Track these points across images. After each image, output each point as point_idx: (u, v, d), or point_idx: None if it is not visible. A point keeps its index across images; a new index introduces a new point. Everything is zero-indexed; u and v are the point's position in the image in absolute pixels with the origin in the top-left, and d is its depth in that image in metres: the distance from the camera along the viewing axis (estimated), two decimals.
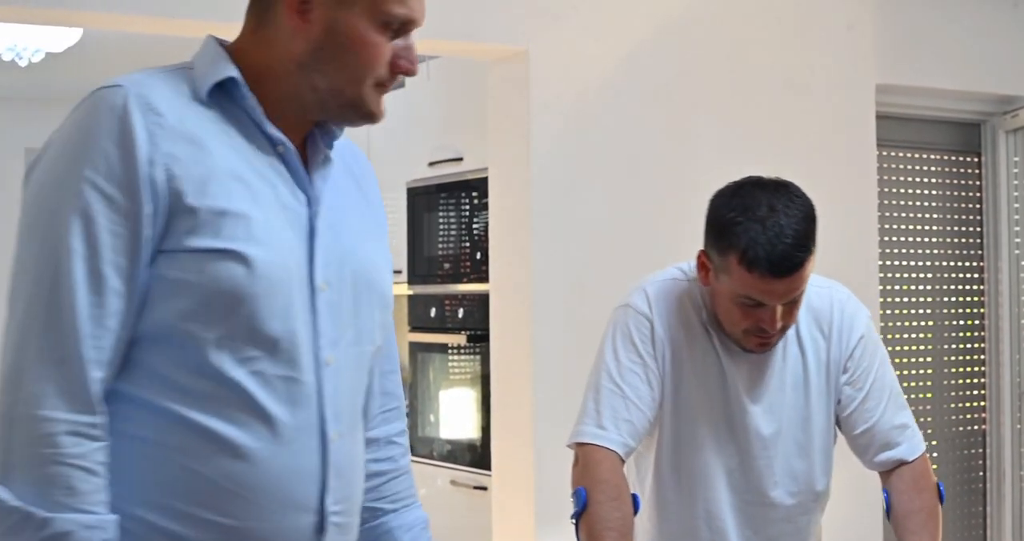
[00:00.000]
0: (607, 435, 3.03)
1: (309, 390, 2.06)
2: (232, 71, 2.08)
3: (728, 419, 3.11)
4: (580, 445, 3.07)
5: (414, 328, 6.73)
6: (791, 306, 2.97)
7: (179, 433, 1.97)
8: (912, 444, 3.18)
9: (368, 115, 2.27)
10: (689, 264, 3.18)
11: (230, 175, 2.02)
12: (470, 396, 6.23)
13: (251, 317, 2.00)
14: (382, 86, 2.22)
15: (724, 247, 2.92)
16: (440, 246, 6.46)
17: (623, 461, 3.04)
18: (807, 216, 2.95)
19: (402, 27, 2.19)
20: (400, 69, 2.20)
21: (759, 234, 2.87)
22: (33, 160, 2.04)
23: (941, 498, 3.16)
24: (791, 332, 3.11)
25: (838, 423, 3.21)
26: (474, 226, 6.18)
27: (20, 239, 1.98)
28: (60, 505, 1.87)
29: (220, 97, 2.08)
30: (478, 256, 6.07)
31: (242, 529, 1.99)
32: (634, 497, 3.04)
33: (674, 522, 3.21)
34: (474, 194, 6.15)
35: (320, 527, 2.08)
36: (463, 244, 6.28)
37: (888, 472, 3.17)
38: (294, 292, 2.05)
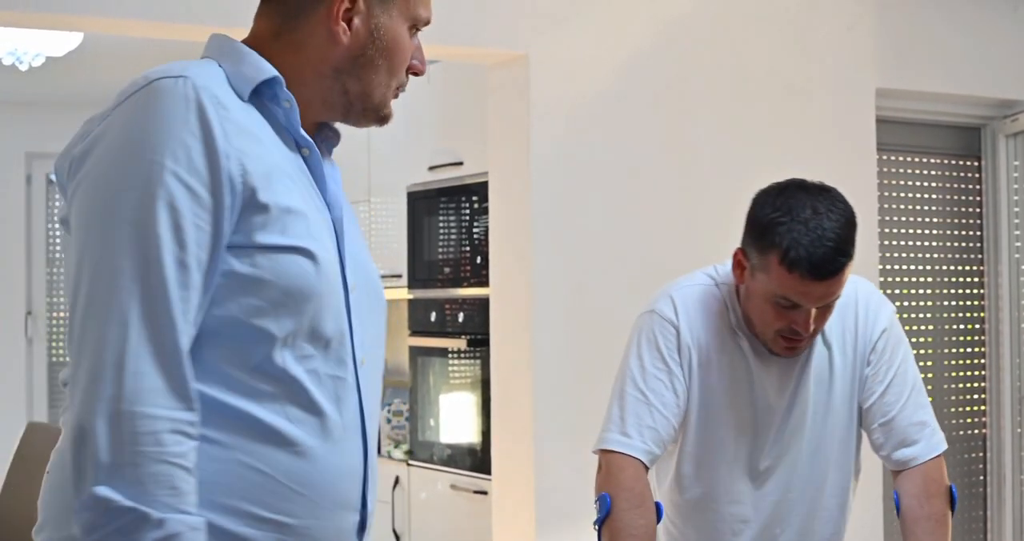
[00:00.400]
0: (631, 442, 3.04)
1: (352, 389, 2.10)
2: (274, 71, 2.09)
3: (754, 423, 3.12)
4: (605, 452, 3.08)
5: (414, 332, 6.74)
6: (825, 310, 2.97)
7: (241, 430, 1.96)
8: (930, 443, 3.16)
9: (386, 117, 2.27)
10: (716, 268, 3.19)
11: (285, 173, 2.05)
12: (470, 400, 6.23)
13: (315, 315, 2.02)
14: (400, 88, 2.24)
15: (765, 246, 2.91)
16: (440, 250, 6.46)
17: (647, 468, 3.06)
18: (849, 221, 2.93)
19: (416, 29, 2.26)
20: (415, 70, 2.25)
21: (802, 235, 2.87)
22: (85, 147, 1.98)
23: (953, 503, 3.15)
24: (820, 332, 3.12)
25: (860, 418, 3.21)
26: (474, 230, 6.18)
27: (94, 223, 1.92)
28: (167, 506, 1.84)
29: (252, 96, 2.09)
30: (478, 260, 6.07)
31: (299, 528, 2.00)
32: (657, 505, 3.05)
33: (696, 525, 3.23)
34: (474, 198, 6.16)
35: (362, 525, 2.13)
36: (463, 248, 6.29)
37: (901, 472, 3.15)
38: (340, 292, 2.09)
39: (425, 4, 2.27)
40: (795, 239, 2.87)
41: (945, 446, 3.18)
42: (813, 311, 2.93)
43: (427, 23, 2.28)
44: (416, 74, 2.26)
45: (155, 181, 1.90)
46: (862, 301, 3.18)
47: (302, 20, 2.13)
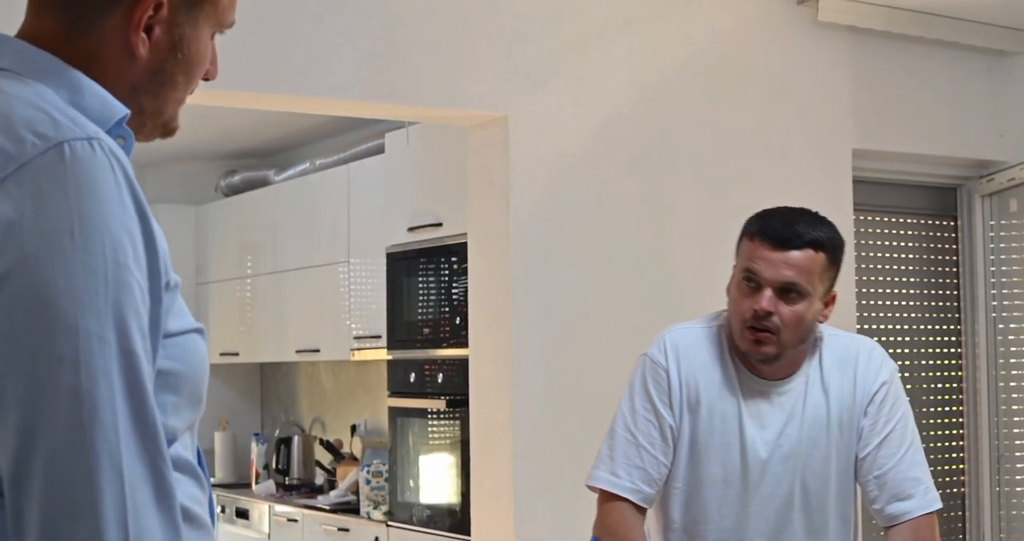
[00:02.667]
0: (620, 482, 3.14)
1: None
2: (124, 108, 1.72)
3: (743, 462, 3.15)
4: (598, 491, 3.19)
5: (393, 393, 6.73)
6: (784, 301, 3.04)
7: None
8: (924, 500, 3.16)
9: (173, 131, 1.89)
10: (716, 312, 3.29)
11: None
12: (450, 461, 6.22)
13: (201, 401, 1.78)
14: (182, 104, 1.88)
15: (743, 233, 3.15)
16: (420, 311, 6.47)
17: (639, 507, 3.15)
18: (830, 232, 3.13)
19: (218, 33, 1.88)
20: (208, 76, 1.88)
21: (772, 214, 3.15)
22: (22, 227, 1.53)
23: None
24: (816, 376, 3.18)
25: (855, 470, 3.24)
26: (453, 291, 6.19)
27: (49, 339, 1.51)
28: None
29: None
30: (458, 321, 6.08)
31: None
32: None
33: None
34: (453, 259, 6.17)
35: None
36: (443, 309, 6.29)
37: (892, 528, 3.16)
38: None
39: (233, 6, 1.86)
40: (763, 216, 3.15)
41: (939, 505, 3.19)
42: (770, 292, 3.03)
43: (231, 26, 1.87)
44: (208, 79, 1.89)
45: (122, 286, 1.56)
46: (864, 354, 3.24)
47: (96, 23, 1.73)
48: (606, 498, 3.16)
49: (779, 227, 3.06)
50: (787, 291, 3.04)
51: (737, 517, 3.17)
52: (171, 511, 1.57)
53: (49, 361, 1.50)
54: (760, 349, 3.09)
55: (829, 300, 3.15)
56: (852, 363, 3.21)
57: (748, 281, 3.07)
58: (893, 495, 3.15)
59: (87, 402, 1.50)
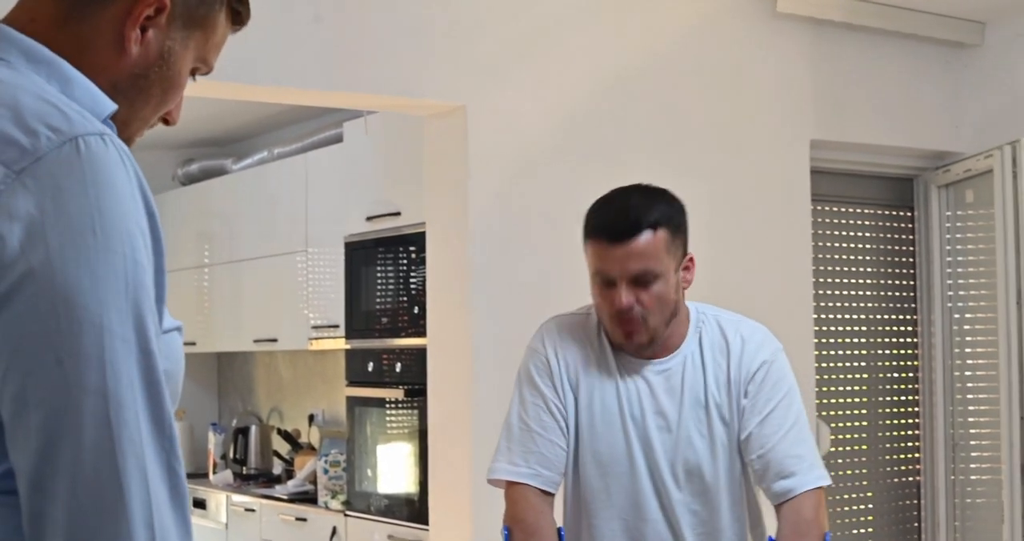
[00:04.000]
0: (518, 470, 3.17)
1: None
2: (112, 104, 1.69)
3: (626, 442, 3.17)
4: (502, 482, 3.21)
5: (351, 382, 6.72)
6: (643, 288, 3.05)
7: None
8: (807, 477, 3.12)
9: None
10: (590, 303, 3.29)
11: None
12: (408, 450, 6.22)
13: (179, 394, 1.79)
14: (148, 128, 1.86)
15: (583, 233, 3.13)
16: (378, 301, 6.46)
17: (544, 491, 3.17)
18: (663, 206, 3.10)
19: (196, 73, 1.88)
20: (168, 117, 1.87)
21: (603, 208, 3.12)
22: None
23: None
24: (695, 356, 3.18)
25: (740, 449, 3.22)
26: (412, 280, 6.19)
27: (76, 338, 1.49)
28: None
29: None
30: (416, 310, 6.08)
31: None
32: (559, 531, 3.15)
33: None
34: (412, 249, 6.16)
35: None
36: (401, 298, 6.29)
37: (779, 509, 3.14)
38: None
39: (217, 51, 1.88)
40: (596, 211, 3.12)
41: (825, 482, 3.15)
42: (624, 286, 3.04)
43: (207, 72, 1.89)
44: (167, 123, 1.88)
45: (140, 285, 1.54)
46: (744, 334, 3.24)
47: (95, 10, 1.70)
48: (510, 488, 3.18)
49: (612, 222, 3.05)
50: (640, 280, 3.05)
51: (625, 497, 3.18)
52: (184, 510, 1.56)
53: (76, 361, 1.48)
54: (633, 340, 3.12)
55: (687, 265, 3.17)
56: (732, 343, 3.21)
57: (602, 280, 3.08)
58: (776, 473, 3.12)
59: (113, 402, 1.49)
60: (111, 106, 1.67)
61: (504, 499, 3.22)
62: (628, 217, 3.04)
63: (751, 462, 3.17)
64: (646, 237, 3.03)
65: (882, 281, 6.58)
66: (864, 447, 6.51)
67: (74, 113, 1.56)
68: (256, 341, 8.09)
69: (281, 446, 8.37)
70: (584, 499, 3.23)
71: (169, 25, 1.75)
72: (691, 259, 3.18)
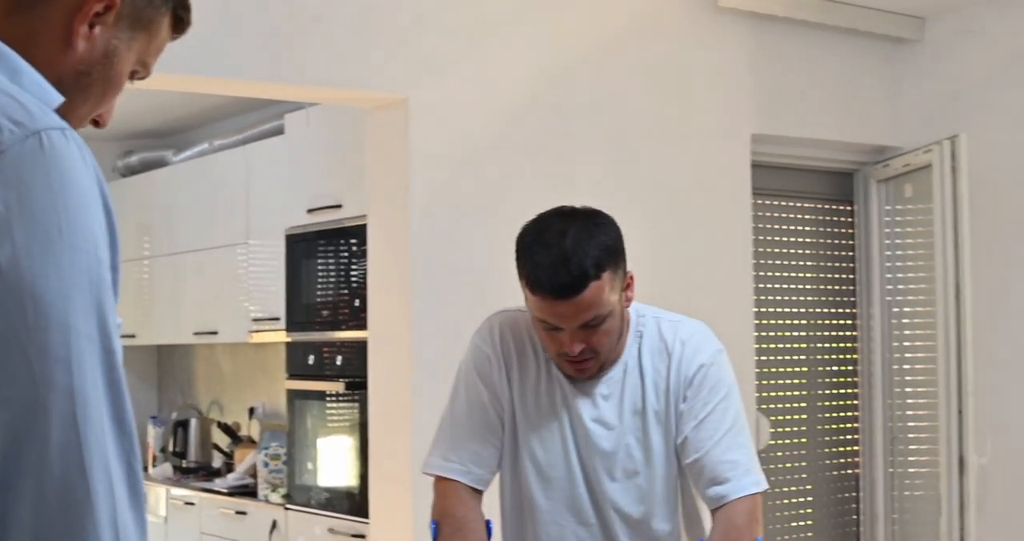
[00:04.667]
0: (451, 466, 3.15)
1: None
2: (60, 96, 1.65)
3: (563, 447, 3.14)
4: (433, 476, 3.19)
5: (292, 375, 6.70)
6: (591, 331, 2.99)
7: None
8: (740, 483, 3.06)
9: None
10: None
11: None
12: (348, 444, 6.21)
13: None
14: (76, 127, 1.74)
15: (519, 271, 3.01)
16: (319, 293, 6.45)
17: (474, 488, 3.16)
18: (601, 242, 2.98)
19: (134, 76, 1.84)
20: (100, 119, 1.84)
21: (543, 258, 2.95)
22: None
23: None
24: (635, 361, 3.14)
25: (677, 454, 3.18)
26: (353, 273, 6.17)
27: (41, 336, 1.47)
28: None
29: None
30: (357, 303, 6.06)
31: None
32: (488, 523, 3.14)
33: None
34: (353, 241, 6.15)
35: None
36: (342, 291, 6.27)
37: (714, 515, 3.09)
38: None
39: (157, 56, 1.85)
40: (537, 262, 2.96)
41: (760, 488, 3.08)
42: (573, 332, 2.97)
43: (144, 77, 1.85)
44: (97, 124, 1.85)
45: (102, 283, 1.56)
46: (682, 339, 3.17)
47: (45, 2, 1.68)
48: (441, 482, 3.17)
49: (554, 278, 2.92)
50: (589, 325, 2.98)
51: (562, 501, 3.16)
52: (142, 510, 1.55)
53: (44, 359, 1.46)
54: (583, 373, 3.09)
55: (628, 285, 3.09)
56: (672, 347, 3.16)
57: (546, 326, 3.01)
58: (710, 479, 3.07)
59: (79, 401, 1.47)
60: (59, 99, 1.64)
61: (433, 492, 3.21)
62: (571, 272, 2.92)
63: (687, 467, 3.12)
64: (592, 288, 2.93)
65: (822, 275, 6.61)
66: (803, 440, 6.54)
67: (33, 106, 1.54)
68: (196, 334, 8.05)
69: (221, 439, 8.34)
70: (521, 501, 3.21)
71: (116, 24, 1.73)
72: (631, 278, 3.10)
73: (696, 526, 3.25)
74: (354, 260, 6.17)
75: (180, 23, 1.87)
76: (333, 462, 6.37)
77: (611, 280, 2.97)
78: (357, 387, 6.06)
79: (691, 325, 3.22)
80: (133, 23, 1.76)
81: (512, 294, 3.16)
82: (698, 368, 3.13)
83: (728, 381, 3.17)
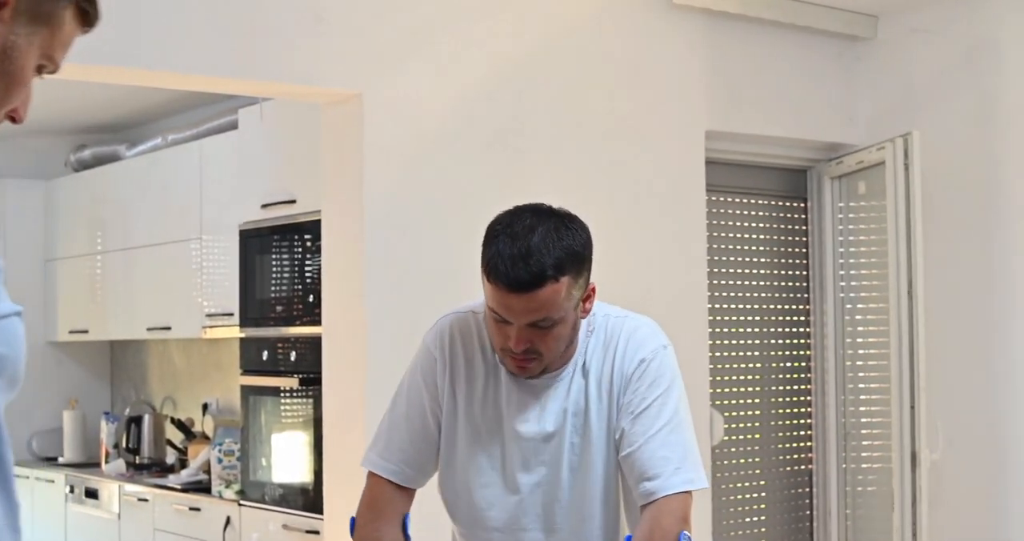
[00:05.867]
0: (384, 464, 3.16)
1: None
2: None
3: (504, 449, 3.11)
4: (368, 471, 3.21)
5: (246, 371, 6.68)
6: (540, 332, 2.95)
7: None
8: (670, 480, 2.97)
9: None
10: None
11: None
12: (302, 440, 6.19)
13: (20, 379, 1.82)
14: None
15: (482, 258, 2.95)
16: (273, 289, 6.43)
17: (404, 488, 3.16)
18: (567, 246, 2.93)
19: (42, 70, 1.86)
20: (15, 115, 1.84)
21: (507, 248, 2.89)
22: None
23: None
24: (580, 361, 3.11)
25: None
26: (307, 269, 6.16)
27: None
28: None
29: None
30: (311, 299, 6.05)
31: None
32: (404, 518, 3.15)
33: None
34: (307, 237, 6.14)
35: None
36: (296, 287, 6.26)
37: (642, 510, 3.01)
38: None
39: (65, 50, 1.86)
40: (499, 251, 2.90)
41: (692, 487, 3.00)
42: (520, 328, 2.92)
43: (53, 71, 1.86)
44: (14, 120, 1.85)
45: None
46: (626, 335, 3.12)
47: None
48: (372, 477, 3.18)
49: (512, 270, 2.87)
50: (538, 325, 2.94)
51: (507, 503, 3.13)
52: (8, 488, 1.61)
53: None
54: (524, 372, 3.04)
55: (587, 295, 3.04)
56: (614, 342, 3.11)
57: (497, 317, 2.97)
58: (640, 474, 3.00)
59: None
60: None
61: (365, 484, 3.22)
62: (531, 268, 2.87)
63: (621, 461, 3.07)
64: (548, 288, 2.88)
65: (775, 271, 6.64)
66: (757, 436, 6.56)
67: None
68: (149, 329, 8.02)
69: (175, 435, 8.31)
70: (462, 505, 3.20)
71: (14, 20, 1.73)
72: (592, 290, 3.05)
73: (633, 524, 3.20)
74: (308, 256, 6.16)
75: (86, 16, 1.85)
76: (287, 458, 6.36)
77: (570, 286, 2.93)
78: (311, 383, 6.05)
79: (637, 321, 3.17)
80: (32, 18, 1.76)
81: (467, 291, 3.15)
82: (639, 363, 3.08)
83: (669, 377, 3.10)
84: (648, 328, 3.16)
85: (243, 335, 6.72)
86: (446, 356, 3.16)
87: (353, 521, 3.16)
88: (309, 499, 6.02)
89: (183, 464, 7.93)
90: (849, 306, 6.54)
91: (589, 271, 3.02)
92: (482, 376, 3.14)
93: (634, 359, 3.09)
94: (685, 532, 2.93)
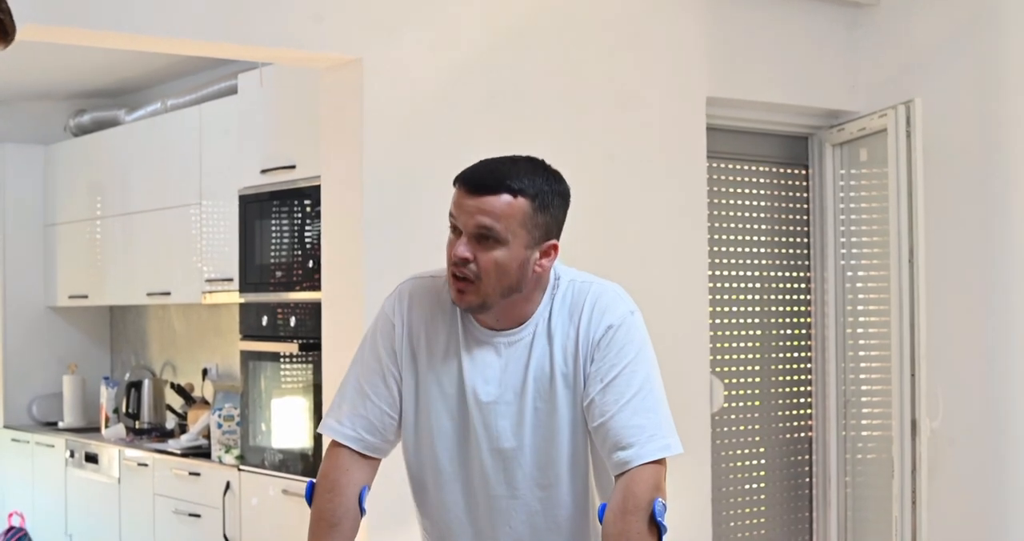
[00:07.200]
0: (343, 430, 3.15)
1: None
2: None
3: (464, 415, 3.09)
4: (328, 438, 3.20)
5: (245, 336, 6.68)
6: (483, 250, 2.96)
7: None
8: (644, 449, 2.95)
9: None
10: None
11: None
12: (302, 405, 6.19)
13: None
14: None
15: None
16: (272, 254, 6.42)
17: (362, 454, 3.15)
18: (539, 183, 3.00)
19: None
20: None
21: (483, 162, 3.05)
22: None
23: (658, 525, 2.90)
24: (543, 325, 3.08)
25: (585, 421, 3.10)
26: (307, 234, 6.15)
27: None
28: None
29: None
30: (310, 264, 6.04)
31: None
32: (362, 491, 3.13)
33: (423, 514, 3.26)
34: (307, 202, 6.12)
35: None
36: (295, 252, 6.25)
37: (616, 479, 2.98)
38: None
39: None
40: (475, 165, 3.05)
41: (667, 453, 2.97)
42: (465, 236, 2.96)
43: None
44: None
45: None
46: (592, 300, 3.10)
47: None
48: (331, 444, 3.17)
49: (479, 174, 2.99)
50: (483, 237, 2.95)
51: (467, 470, 3.12)
52: None
53: None
54: (462, 298, 3.02)
55: (546, 250, 3.03)
56: (579, 308, 3.09)
57: (452, 229, 3.02)
58: (614, 444, 2.96)
59: None
60: None
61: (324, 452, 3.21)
62: (492, 174, 2.98)
63: (593, 431, 3.03)
64: (503, 199, 2.94)
65: (776, 238, 6.63)
66: (757, 403, 6.56)
67: None
68: (149, 294, 8.02)
69: (174, 400, 8.32)
70: (424, 474, 3.17)
71: None
72: (554, 247, 3.04)
73: (606, 492, 3.13)
74: (308, 221, 6.15)
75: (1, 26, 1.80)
76: (287, 423, 6.36)
77: (526, 214, 2.96)
78: (311, 348, 6.04)
79: (602, 286, 3.14)
80: None
81: None
82: (606, 329, 3.05)
83: (638, 343, 3.07)
84: (614, 293, 3.13)
85: (243, 300, 6.71)
86: (404, 320, 3.16)
87: (311, 487, 3.13)
88: (309, 464, 6.03)
89: (183, 429, 7.93)
90: (850, 273, 6.54)
91: (554, 227, 3.04)
92: (443, 340, 3.13)
93: (600, 325, 3.06)
94: (659, 499, 2.91)
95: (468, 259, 2.97)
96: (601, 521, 2.95)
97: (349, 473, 3.13)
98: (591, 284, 3.13)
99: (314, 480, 3.15)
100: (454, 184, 3.02)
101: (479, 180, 2.98)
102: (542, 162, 3.08)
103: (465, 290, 3.00)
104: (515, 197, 2.95)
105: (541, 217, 2.99)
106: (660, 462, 2.96)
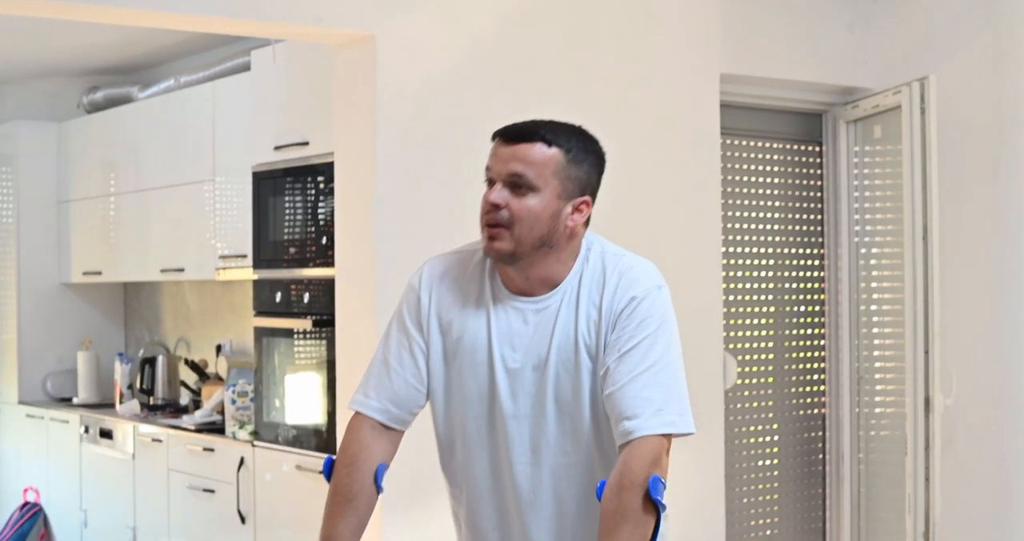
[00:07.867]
0: (367, 402, 3.19)
1: None
2: None
3: (492, 382, 3.12)
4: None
5: (259, 313, 6.69)
6: (516, 197, 3.02)
7: None
8: (648, 421, 2.93)
9: None
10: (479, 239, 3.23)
11: None
12: (316, 381, 6.20)
13: None
14: None
15: None
16: (286, 231, 6.42)
17: (388, 426, 3.19)
18: (573, 135, 3.09)
19: None
20: None
21: (524, 120, 3.12)
22: None
23: (656, 502, 2.87)
24: (572, 294, 3.10)
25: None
26: (320, 211, 6.15)
27: None
28: None
29: None
30: (324, 241, 6.05)
31: None
32: (379, 467, 3.16)
33: (451, 481, 3.31)
34: (320, 179, 6.12)
35: None
36: (309, 229, 6.25)
37: (620, 450, 2.97)
38: None
39: None
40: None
41: (672, 429, 2.95)
42: (500, 184, 3.04)
43: None
44: None
45: None
46: (620, 271, 3.12)
47: None
48: (354, 417, 3.21)
49: (516, 125, 3.08)
50: (516, 184, 3.01)
51: (493, 435, 3.15)
52: None
53: None
54: (493, 245, 3.05)
55: (578, 206, 3.07)
56: (609, 278, 3.10)
57: (488, 181, 3.09)
58: (621, 413, 2.96)
59: None
60: None
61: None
62: (528, 124, 3.06)
63: (604, 399, 3.03)
64: (537, 147, 3.02)
65: (790, 215, 6.62)
66: (770, 380, 6.57)
67: None
68: (163, 271, 8.03)
69: (188, 376, 8.34)
70: (453, 441, 3.20)
71: None
72: (586, 203, 3.08)
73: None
74: (321, 197, 6.15)
75: None
76: (300, 399, 6.37)
77: (557, 163, 3.03)
78: (325, 324, 6.05)
79: (633, 259, 3.16)
80: None
81: (477, 231, 3.13)
82: (629, 300, 3.06)
83: (659, 317, 3.07)
84: (643, 267, 3.15)
85: (256, 277, 6.72)
86: (431, 293, 3.21)
87: (330, 462, 3.17)
88: (322, 440, 6.04)
89: (197, 405, 7.95)
90: (864, 250, 6.53)
91: (585, 183, 3.09)
92: (473, 307, 3.16)
93: (624, 296, 3.07)
94: (657, 475, 2.88)
95: (500, 205, 3.03)
96: (599, 498, 2.94)
97: (369, 449, 3.16)
98: (622, 256, 3.16)
99: (332, 456, 3.18)
100: (492, 139, 3.09)
101: (516, 130, 3.05)
102: (580, 126, 3.15)
103: (496, 236, 3.05)
104: (549, 146, 3.02)
105: (574, 170, 3.06)
106: (663, 437, 2.95)
